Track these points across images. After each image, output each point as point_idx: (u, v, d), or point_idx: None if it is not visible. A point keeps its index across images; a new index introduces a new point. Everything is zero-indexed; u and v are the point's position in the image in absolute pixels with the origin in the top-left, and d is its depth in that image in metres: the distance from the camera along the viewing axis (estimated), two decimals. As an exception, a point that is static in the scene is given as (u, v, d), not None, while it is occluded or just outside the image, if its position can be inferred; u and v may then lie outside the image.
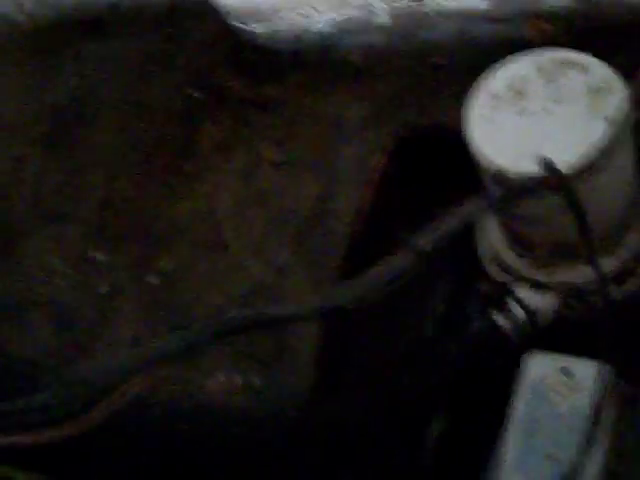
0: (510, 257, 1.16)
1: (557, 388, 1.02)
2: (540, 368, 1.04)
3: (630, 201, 1.07)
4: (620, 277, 1.14)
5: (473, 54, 1.24)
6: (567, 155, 0.82)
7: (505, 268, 1.18)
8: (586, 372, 0.90)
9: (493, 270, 1.20)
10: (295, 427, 0.95)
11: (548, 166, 0.72)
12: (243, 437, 0.96)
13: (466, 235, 1.24)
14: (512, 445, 1.00)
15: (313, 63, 1.41)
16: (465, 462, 1.10)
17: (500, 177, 0.80)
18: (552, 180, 0.72)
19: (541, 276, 1.13)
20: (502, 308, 1.13)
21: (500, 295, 1.14)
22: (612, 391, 1.02)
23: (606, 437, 0.99)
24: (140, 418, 0.96)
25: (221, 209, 1.32)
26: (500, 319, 1.11)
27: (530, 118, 0.95)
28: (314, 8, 1.34)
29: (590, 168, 0.78)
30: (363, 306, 1.24)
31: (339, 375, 1.15)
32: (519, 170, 0.82)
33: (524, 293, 1.14)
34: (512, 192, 0.72)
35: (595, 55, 0.98)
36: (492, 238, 1.19)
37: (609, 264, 1.12)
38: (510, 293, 1.14)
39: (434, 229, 0.68)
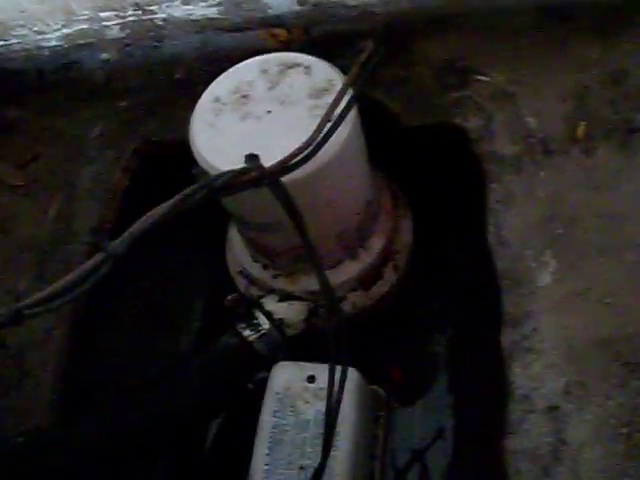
0: (255, 269, 1.15)
1: (303, 396, 1.01)
2: (286, 378, 1.03)
3: (368, 202, 1.07)
4: (367, 281, 1.15)
5: (215, 65, 1.21)
6: (284, 154, 0.80)
7: (252, 280, 1.16)
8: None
9: (240, 282, 1.19)
10: (19, 454, 0.89)
11: (249, 159, 0.70)
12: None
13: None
14: (260, 456, 0.98)
15: (54, 83, 1.35)
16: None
17: (202, 176, 0.78)
18: (253, 172, 0.69)
19: (286, 286, 1.12)
20: (250, 321, 1.10)
21: (247, 308, 1.12)
22: (358, 393, 1.01)
23: (351, 437, 0.98)
24: None
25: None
26: (247, 332, 1.08)
27: (254, 122, 0.94)
28: (45, 23, 1.28)
29: (302, 163, 0.77)
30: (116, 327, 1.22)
31: (83, 400, 1.09)
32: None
33: (272, 305, 1.12)
34: (211, 187, 0.68)
35: (326, 58, 0.98)
36: (238, 252, 1.17)
37: (353, 268, 1.13)
38: (257, 305, 1.12)
39: (127, 231, 0.64)
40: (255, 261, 1.13)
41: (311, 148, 0.75)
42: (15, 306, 0.59)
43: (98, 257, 0.62)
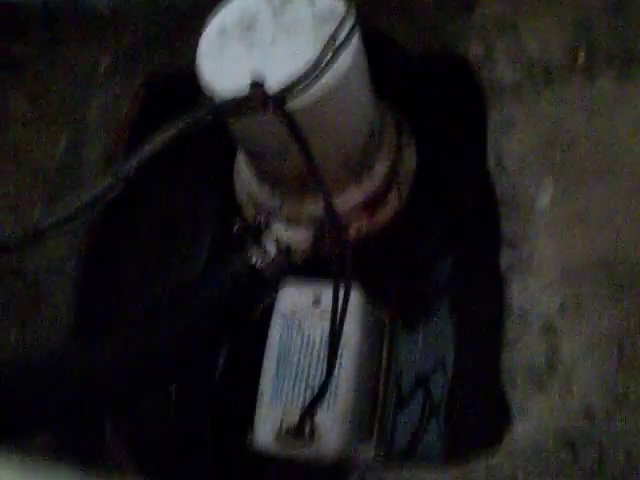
0: (263, 196, 1.17)
1: (309, 317, 1.04)
2: (292, 300, 1.06)
3: (372, 129, 1.09)
4: (371, 207, 1.17)
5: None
6: (288, 79, 0.82)
7: (259, 207, 1.18)
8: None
9: (249, 211, 1.21)
10: (42, 376, 0.92)
11: (254, 86, 0.73)
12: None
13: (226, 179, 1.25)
14: (268, 376, 1.02)
15: (59, 16, 1.36)
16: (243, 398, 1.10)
17: (208, 102, 0.81)
18: (258, 96, 0.72)
19: (293, 212, 1.14)
20: (257, 248, 1.12)
21: (255, 234, 1.15)
22: (362, 315, 1.05)
23: (355, 358, 1.01)
24: None
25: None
26: (255, 258, 1.11)
27: (259, 50, 0.95)
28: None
29: (306, 89, 0.79)
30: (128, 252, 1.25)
31: (98, 325, 1.13)
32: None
33: (279, 232, 1.15)
34: (216, 113, 0.71)
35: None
36: (245, 177, 1.20)
37: (358, 194, 1.15)
38: (265, 232, 1.15)
39: (135, 154, 0.67)
40: (262, 188, 1.15)
41: (315, 74, 0.77)
42: (33, 224, 0.62)
43: (109, 180, 0.65)
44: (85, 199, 0.64)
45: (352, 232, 1.15)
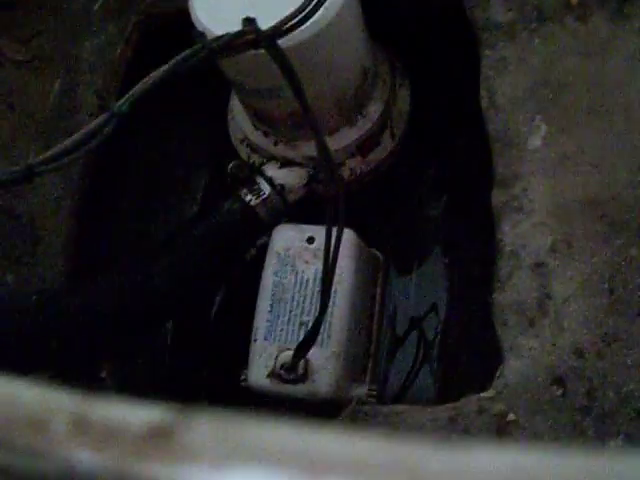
0: (257, 136, 1.17)
1: (302, 256, 1.05)
2: (286, 239, 1.07)
3: (366, 69, 1.09)
4: (364, 147, 1.17)
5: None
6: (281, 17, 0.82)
7: (254, 148, 1.19)
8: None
9: (243, 151, 1.22)
10: (37, 316, 0.93)
11: (246, 22, 0.72)
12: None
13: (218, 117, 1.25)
14: (262, 313, 1.03)
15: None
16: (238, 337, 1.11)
17: (202, 39, 0.80)
18: (250, 35, 0.72)
19: (287, 152, 1.15)
20: (252, 187, 1.13)
21: (249, 175, 1.15)
22: (355, 252, 1.06)
23: (349, 295, 1.03)
24: None
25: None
26: (249, 197, 1.11)
27: (251, -13, 0.94)
28: None
29: (298, 26, 0.79)
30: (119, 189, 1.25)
31: (94, 265, 1.14)
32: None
33: (272, 171, 1.15)
34: (209, 49, 0.71)
35: None
36: (239, 120, 1.20)
37: (351, 135, 1.16)
38: (259, 172, 1.15)
39: (130, 92, 0.67)
40: (256, 129, 1.15)
41: (308, 10, 0.77)
42: (26, 163, 0.62)
43: (104, 116, 0.66)
44: (79, 135, 0.64)
45: (345, 173, 1.16)
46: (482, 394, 0.89)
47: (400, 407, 0.93)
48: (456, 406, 0.90)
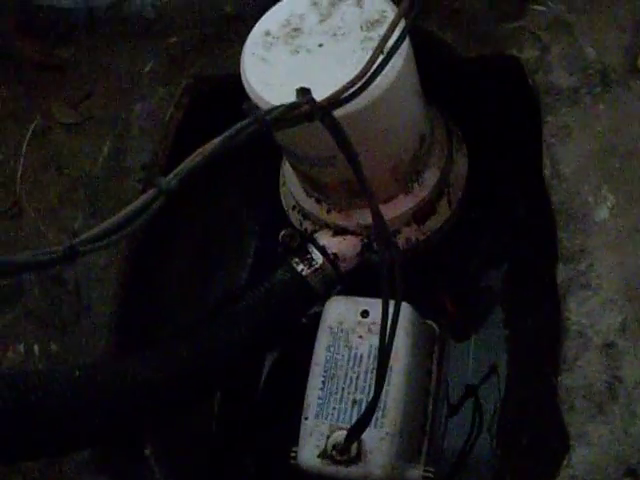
0: (309, 204, 1.14)
1: (356, 330, 1.01)
2: (339, 312, 1.03)
3: (423, 136, 1.06)
4: (420, 215, 1.14)
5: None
6: (336, 87, 0.78)
7: (306, 215, 1.16)
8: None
9: (295, 218, 1.19)
10: (82, 392, 0.90)
11: (301, 93, 0.69)
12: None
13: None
14: (314, 390, 0.99)
15: (104, 20, 1.34)
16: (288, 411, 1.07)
17: (253, 110, 0.77)
18: (305, 106, 0.68)
19: (340, 220, 1.12)
20: (304, 256, 1.10)
21: (301, 243, 1.12)
22: (412, 328, 1.01)
23: (405, 373, 0.98)
24: None
25: (16, 175, 1.25)
26: (301, 266, 1.08)
27: (305, 55, 0.92)
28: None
29: (355, 96, 0.76)
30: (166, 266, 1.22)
31: (140, 337, 1.10)
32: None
33: (325, 240, 1.12)
34: (262, 122, 0.68)
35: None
36: (291, 186, 1.17)
37: (407, 202, 1.12)
38: (311, 240, 1.12)
39: (179, 167, 0.64)
40: (308, 196, 1.12)
41: (363, 81, 0.74)
42: (69, 242, 0.59)
43: (151, 193, 0.62)
44: (125, 213, 0.61)
45: (401, 241, 1.12)
46: (548, 487, 0.83)
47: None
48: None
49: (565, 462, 0.84)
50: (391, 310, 0.79)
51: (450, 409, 1.22)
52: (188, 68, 1.25)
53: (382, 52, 0.79)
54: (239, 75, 0.96)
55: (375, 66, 0.78)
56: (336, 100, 0.72)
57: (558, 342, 0.91)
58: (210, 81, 1.24)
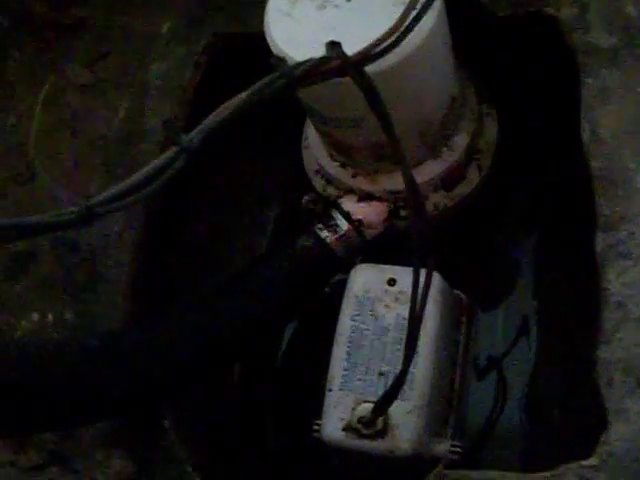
0: (333, 168, 1.10)
1: (383, 299, 0.98)
2: (366, 280, 0.99)
3: (453, 98, 1.02)
4: (449, 181, 1.10)
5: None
6: (367, 43, 0.74)
7: (330, 180, 1.12)
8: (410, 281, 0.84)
9: (318, 183, 1.15)
10: (100, 361, 0.87)
11: (331, 47, 0.65)
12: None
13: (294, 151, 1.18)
14: (338, 361, 0.96)
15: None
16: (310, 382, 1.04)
17: (281, 65, 0.73)
18: (335, 60, 0.64)
19: (365, 185, 1.08)
20: (328, 222, 1.06)
21: (325, 209, 1.08)
22: (441, 298, 0.98)
23: (433, 344, 0.95)
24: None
25: (29, 139, 1.22)
26: (325, 233, 1.04)
27: (332, 11, 0.88)
28: None
29: (388, 51, 0.72)
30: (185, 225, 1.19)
31: (158, 304, 1.07)
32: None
33: (350, 205, 1.08)
34: (291, 76, 0.63)
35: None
36: (315, 150, 1.13)
37: (436, 168, 1.08)
38: (335, 206, 1.08)
39: (202, 123, 0.60)
40: (333, 160, 1.08)
41: (396, 36, 0.70)
42: (86, 204, 0.55)
43: (172, 151, 0.58)
44: (144, 172, 0.57)
45: (429, 207, 1.08)
46: (584, 462, 0.80)
47: (491, 473, 0.84)
48: (554, 474, 0.80)
49: (602, 438, 0.80)
50: (421, 279, 0.75)
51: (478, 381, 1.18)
52: (208, 27, 1.21)
53: (414, 7, 0.75)
54: (261, 33, 0.91)
55: (408, 21, 0.74)
56: (368, 55, 0.68)
57: (595, 314, 0.86)
58: (231, 40, 1.19)
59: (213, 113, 0.61)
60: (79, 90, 1.25)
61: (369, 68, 0.68)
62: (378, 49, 0.69)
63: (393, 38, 0.70)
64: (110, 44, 1.28)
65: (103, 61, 1.27)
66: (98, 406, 0.89)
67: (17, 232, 0.56)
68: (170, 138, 1.11)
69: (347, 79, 0.66)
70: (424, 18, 0.77)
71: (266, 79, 0.62)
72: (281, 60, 0.66)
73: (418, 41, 0.84)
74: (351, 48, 0.66)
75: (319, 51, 0.66)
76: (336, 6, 0.88)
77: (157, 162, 0.58)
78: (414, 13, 0.74)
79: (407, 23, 0.73)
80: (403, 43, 0.72)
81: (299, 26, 0.88)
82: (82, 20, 1.32)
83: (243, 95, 0.61)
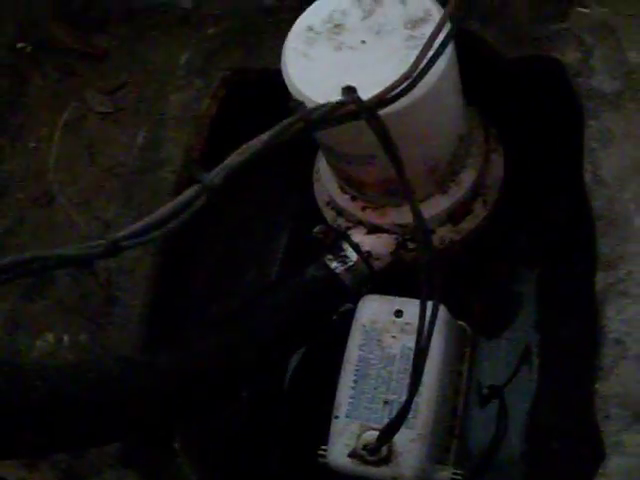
0: (344, 201, 1.14)
1: (390, 330, 1.00)
2: (373, 311, 1.02)
3: (461, 137, 1.05)
4: (456, 216, 1.13)
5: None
6: (380, 86, 0.78)
7: (340, 212, 1.15)
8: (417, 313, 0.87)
9: (329, 215, 1.18)
10: (113, 385, 0.90)
11: (346, 91, 0.68)
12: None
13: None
14: (345, 389, 0.99)
15: (141, 10, 1.34)
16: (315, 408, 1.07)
17: (299, 108, 0.77)
18: (351, 105, 0.68)
19: (374, 218, 1.11)
20: (337, 253, 1.09)
21: (335, 240, 1.11)
22: (446, 330, 1.00)
23: (438, 375, 0.97)
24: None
25: (49, 163, 1.25)
26: (334, 264, 1.07)
27: (348, 52, 0.91)
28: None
29: (401, 96, 0.75)
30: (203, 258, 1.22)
31: (171, 329, 1.10)
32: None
33: (359, 237, 1.11)
34: (308, 120, 0.67)
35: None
36: (326, 182, 1.16)
37: (443, 202, 1.11)
38: (345, 237, 1.11)
39: (224, 163, 0.63)
40: (344, 192, 1.12)
41: (410, 80, 0.73)
42: (112, 237, 0.59)
43: (194, 189, 0.61)
44: (168, 209, 0.60)
45: (435, 241, 1.11)
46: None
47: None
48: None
49: (600, 470, 0.83)
50: (429, 312, 0.78)
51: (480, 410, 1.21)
52: (225, 60, 1.24)
53: (427, 51, 0.78)
54: (277, 69, 0.95)
55: (422, 66, 0.77)
56: (383, 99, 0.72)
57: (594, 349, 0.89)
58: (247, 74, 1.23)
59: (235, 152, 0.64)
60: (99, 117, 1.29)
61: (382, 110, 0.71)
62: (392, 93, 0.73)
63: (407, 83, 0.73)
64: (130, 74, 1.31)
65: (122, 90, 1.30)
66: (111, 428, 0.91)
67: (42, 265, 0.58)
68: (192, 176, 1.15)
69: (360, 121, 0.69)
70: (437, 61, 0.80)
71: (285, 122, 0.66)
72: (300, 104, 0.70)
73: (430, 84, 0.87)
74: (365, 91, 0.70)
75: (335, 92, 0.69)
76: (351, 48, 0.92)
77: (180, 199, 0.62)
78: (427, 57, 0.78)
79: (420, 67, 0.77)
80: (431, 92, 0.75)
81: (315, 66, 0.92)
82: (104, 50, 1.35)
83: (264, 137, 0.65)
